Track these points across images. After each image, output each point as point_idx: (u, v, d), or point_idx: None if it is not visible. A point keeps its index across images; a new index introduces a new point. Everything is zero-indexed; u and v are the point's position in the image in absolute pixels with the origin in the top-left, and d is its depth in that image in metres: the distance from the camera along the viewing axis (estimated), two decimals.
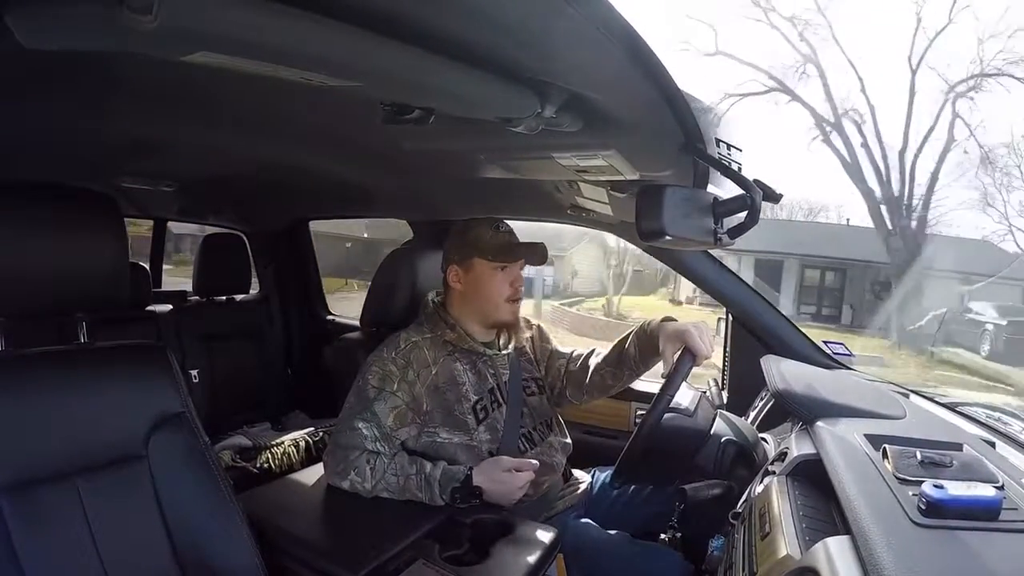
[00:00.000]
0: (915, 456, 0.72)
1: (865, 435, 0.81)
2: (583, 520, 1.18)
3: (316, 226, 2.38)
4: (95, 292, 0.86)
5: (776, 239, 10.65)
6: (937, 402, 1.17)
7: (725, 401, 1.46)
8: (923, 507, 0.59)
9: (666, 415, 1.00)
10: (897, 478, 0.68)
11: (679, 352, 1.04)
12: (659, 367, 1.07)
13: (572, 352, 1.30)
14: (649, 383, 1.50)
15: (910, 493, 0.63)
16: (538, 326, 1.35)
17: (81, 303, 0.88)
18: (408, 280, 1.33)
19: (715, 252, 1.42)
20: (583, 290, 13.81)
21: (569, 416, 1.38)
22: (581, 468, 1.35)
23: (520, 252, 1.17)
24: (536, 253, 1.17)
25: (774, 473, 0.86)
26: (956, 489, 0.60)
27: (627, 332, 1.21)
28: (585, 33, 0.50)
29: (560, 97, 0.64)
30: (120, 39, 0.44)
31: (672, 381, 1.01)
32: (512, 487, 1.05)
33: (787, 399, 0.98)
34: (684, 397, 1.07)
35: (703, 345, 1.03)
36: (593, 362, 1.24)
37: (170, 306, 1.94)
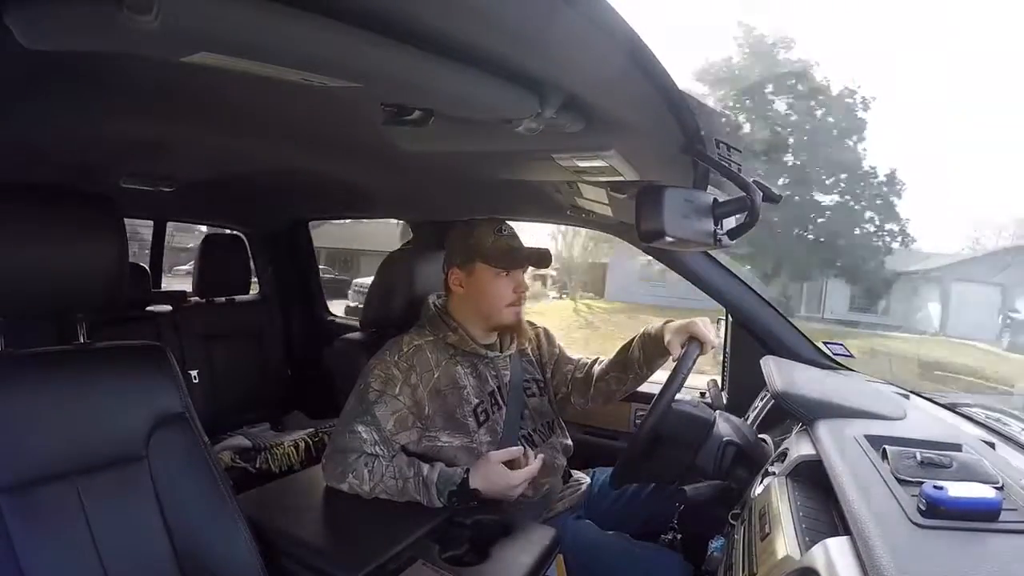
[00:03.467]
0: (915, 457, 0.72)
1: (865, 435, 0.81)
2: (583, 520, 1.18)
3: None
4: (95, 292, 0.86)
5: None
6: (937, 403, 1.17)
7: (725, 401, 1.46)
8: (923, 508, 0.59)
9: (673, 404, 1.01)
10: (897, 479, 0.68)
11: (685, 342, 1.06)
12: (659, 374, 1.08)
13: (579, 359, 1.31)
14: (650, 384, 1.50)
15: (910, 494, 0.63)
16: (544, 329, 1.35)
17: (81, 303, 0.87)
18: (408, 281, 1.33)
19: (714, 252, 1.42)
20: None
21: (569, 416, 1.38)
22: (581, 468, 1.35)
23: (523, 259, 1.15)
24: (540, 258, 1.17)
25: (774, 474, 0.86)
26: (956, 490, 0.60)
27: (631, 337, 1.22)
28: (585, 34, 0.50)
29: (560, 98, 0.64)
30: (120, 40, 0.44)
31: (681, 367, 1.02)
32: (508, 483, 1.05)
33: (787, 400, 0.98)
34: (685, 396, 1.07)
35: (709, 333, 1.05)
36: (597, 368, 1.25)
37: (170, 306, 1.94)
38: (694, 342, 1.05)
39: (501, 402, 1.18)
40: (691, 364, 1.03)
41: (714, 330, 1.09)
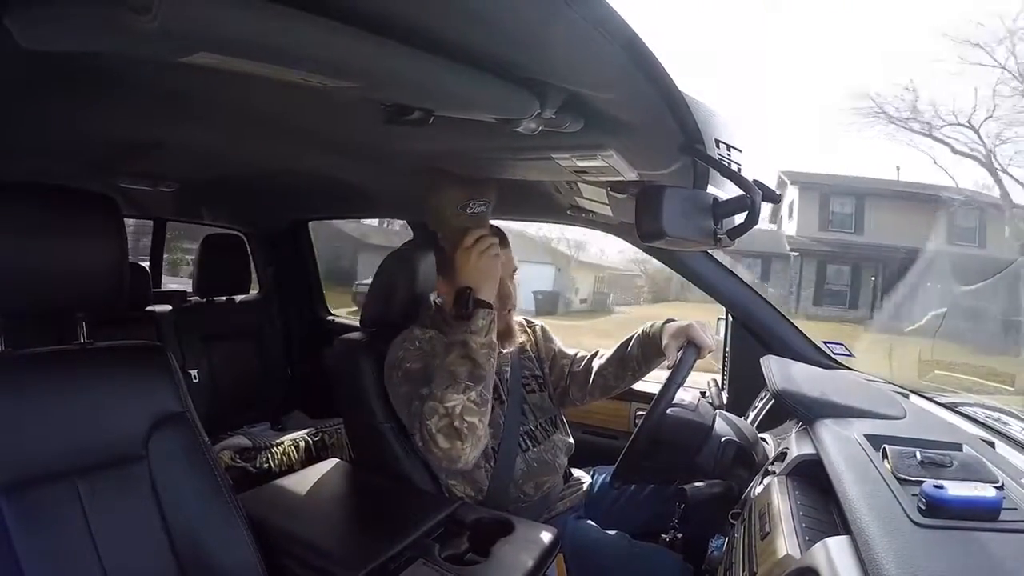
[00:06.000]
0: (915, 456, 0.72)
1: (865, 435, 0.81)
2: (583, 520, 1.18)
3: None
4: (95, 292, 0.86)
5: None
6: (937, 402, 1.17)
7: (725, 401, 1.46)
8: (923, 507, 0.59)
9: (670, 409, 1.01)
10: (897, 478, 0.68)
11: (683, 346, 1.06)
12: (658, 374, 1.08)
13: (576, 353, 1.31)
14: (650, 384, 1.50)
15: (910, 493, 0.63)
16: (541, 326, 1.36)
17: (81, 303, 0.87)
18: (408, 280, 1.33)
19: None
20: None
21: (569, 416, 1.38)
22: (581, 468, 1.36)
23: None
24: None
25: (774, 473, 0.86)
26: (956, 489, 0.60)
27: (630, 334, 1.22)
28: (585, 34, 0.50)
29: (560, 98, 0.64)
30: (119, 40, 0.44)
31: (678, 372, 1.02)
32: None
33: (787, 399, 0.98)
34: (685, 396, 1.08)
35: (706, 337, 1.05)
36: (596, 363, 1.26)
37: (170, 306, 1.94)
38: (691, 346, 1.05)
39: (502, 397, 1.19)
40: (687, 370, 1.03)
41: (712, 332, 1.09)
